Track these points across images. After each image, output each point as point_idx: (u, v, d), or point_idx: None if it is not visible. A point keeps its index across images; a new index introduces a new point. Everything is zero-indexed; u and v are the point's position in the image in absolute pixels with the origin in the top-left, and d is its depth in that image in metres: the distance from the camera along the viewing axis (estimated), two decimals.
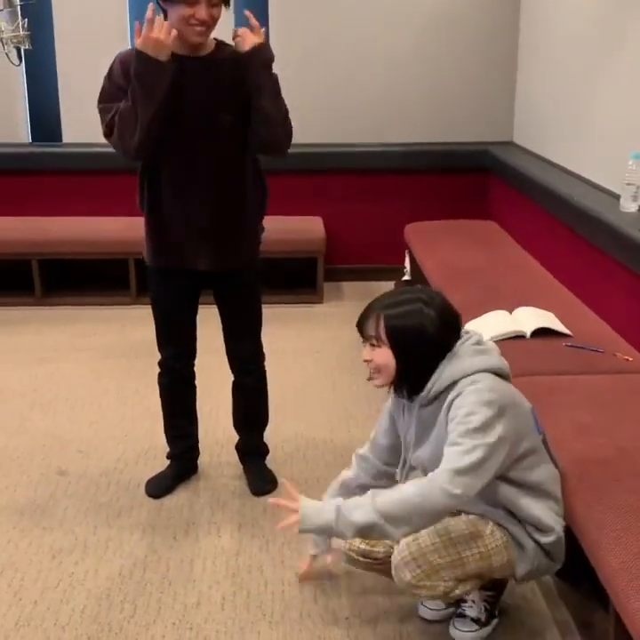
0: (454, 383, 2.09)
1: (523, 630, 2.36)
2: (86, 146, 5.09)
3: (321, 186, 5.37)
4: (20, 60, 3.98)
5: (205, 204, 2.75)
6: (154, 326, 2.95)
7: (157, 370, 3.01)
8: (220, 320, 2.97)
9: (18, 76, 5.14)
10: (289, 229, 5.12)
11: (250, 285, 2.94)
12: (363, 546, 2.30)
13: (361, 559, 2.32)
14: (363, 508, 1.99)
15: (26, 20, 3.91)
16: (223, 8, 2.61)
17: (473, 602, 2.29)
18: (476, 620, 2.28)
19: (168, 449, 3.13)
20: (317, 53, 5.22)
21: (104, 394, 3.75)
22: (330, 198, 5.38)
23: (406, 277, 5.10)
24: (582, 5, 4.14)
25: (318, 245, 5.09)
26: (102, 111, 2.67)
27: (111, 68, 2.66)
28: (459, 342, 2.15)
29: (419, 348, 2.11)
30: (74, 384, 3.96)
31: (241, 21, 2.69)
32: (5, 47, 3.85)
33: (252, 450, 3.17)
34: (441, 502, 1.95)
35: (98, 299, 4.99)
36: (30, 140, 5.35)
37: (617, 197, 3.55)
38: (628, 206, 3.43)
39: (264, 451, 3.18)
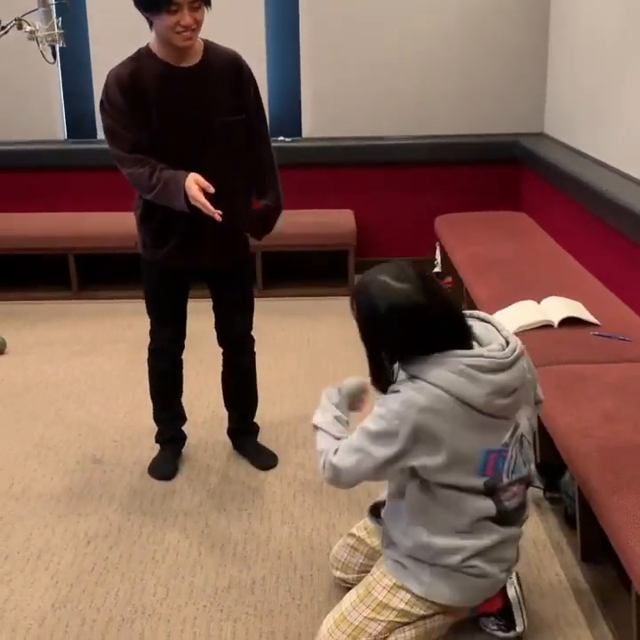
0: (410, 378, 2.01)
1: (548, 613, 2.38)
2: None
3: (352, 179, 5.40)
4: (55, 59, 4.05)
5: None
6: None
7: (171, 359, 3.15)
8: (213, 300, 3.08)
9: (53, 74, 5.24)
10: (320, 222, 5.18)
11: (244, 275, 3.07)
12: (338, 574, 2.47)
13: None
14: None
15: (60, 18, 3.98)
16: (205, 10, 2.65)
17: (485, 626, 2.32)
18: (500, 628, 2.30)
19: (158, 434, 3.24)
20: (348, 48, 5.24)
21: (138, 384, 3.81)
22: (360, 191, 5.40)
23: (437, 269, 5.12)
24: None
25: (349, 238, 5.12)
26: (117, 156, 2.75)
27: (107, 97, 2.73)
28: (458, 353, 1.97)
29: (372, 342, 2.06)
30: (109, 375, 4.05)
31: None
32: (40, 45, 3.93)
33: (247, 428, 3.27)
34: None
35: (133, 292, 5.04)
36: (66, 137, 5.46)
37: None
38: None
39: (257, 429, 3.30)
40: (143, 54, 2.76)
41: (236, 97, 2.80)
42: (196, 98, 2.75)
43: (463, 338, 2.01)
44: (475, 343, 2.07)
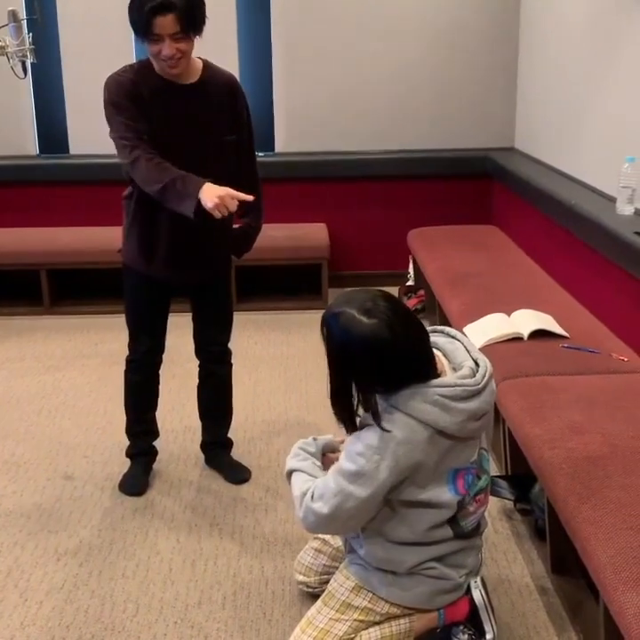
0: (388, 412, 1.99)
1: (518, 624, 2.39)
2: (93, 157, 5.16)
3: (325, 193, 5.42)
4: (25, 74, 4.03)
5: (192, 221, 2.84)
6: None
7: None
8: (193, 312, 3.09)
9: (25, 90, 5.22)
10: (293, 236, 5.19)
11: (225, 287, 3.09)
12: (301, 577, 2.48)
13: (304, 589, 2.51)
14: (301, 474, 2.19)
15: (31, 34, 3.97)
16: (192, 38, 2.65)
17: (455, 637, 2.32)
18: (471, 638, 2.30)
19: (129, 448, 3.21)
20: (321, 64, 5.27)
21: (110, 400, 3.80)
22: (334, 205, 5.43)
23: (410, 283, 5.15)
24: (580, 14, 4.18)
25: (322, 252, 5.14)
26: (121, 146, 2.69)
27: (111, 97, 2.70)
28: (426, 386, 1.97)
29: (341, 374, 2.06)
30: (80, 391, 4.02)
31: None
32: (11, 61, 3.91)
33: (221, 442, 3.26)
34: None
35: (105, 307, 5.04)
36: (38, 152, 5.42)
37: (614, 200, 3.59)
38: (624, 209, 3.46)
39: (230, 443, 3.29)
40: (143, 66, 2.75)
41: (230, 118, 2.82)
42: (192, 115, 2.76)
43: (428, 372, 1.99)
44: (445, 361, 2.07)
